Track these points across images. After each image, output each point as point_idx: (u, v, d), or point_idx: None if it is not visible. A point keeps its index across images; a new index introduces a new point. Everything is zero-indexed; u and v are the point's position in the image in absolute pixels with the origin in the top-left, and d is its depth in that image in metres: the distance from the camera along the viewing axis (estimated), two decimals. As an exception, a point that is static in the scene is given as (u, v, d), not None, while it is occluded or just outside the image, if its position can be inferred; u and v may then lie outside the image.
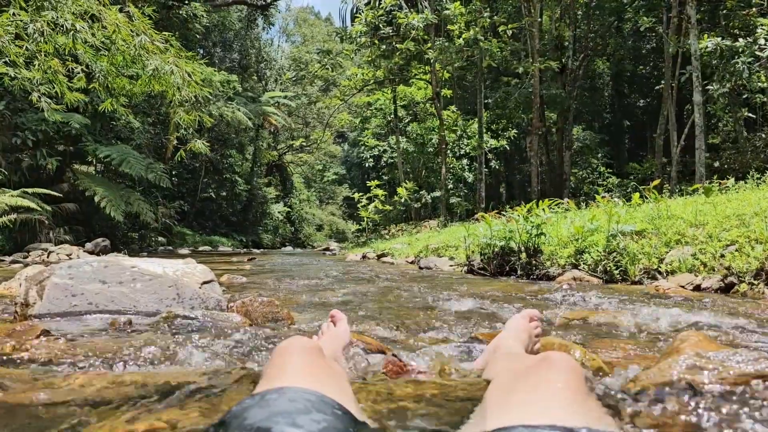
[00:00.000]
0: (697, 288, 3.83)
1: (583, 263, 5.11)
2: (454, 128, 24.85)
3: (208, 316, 2.41)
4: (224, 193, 31.34)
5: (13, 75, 7.65)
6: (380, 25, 20.83)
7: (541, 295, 3.77)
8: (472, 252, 6.75)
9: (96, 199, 14.93)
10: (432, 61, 19.88)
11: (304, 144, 41.71)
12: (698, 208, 5.29)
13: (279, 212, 38.72)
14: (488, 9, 20.32)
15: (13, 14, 7.25)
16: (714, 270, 3.93)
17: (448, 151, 22.73)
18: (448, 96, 24.32)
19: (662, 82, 17.65)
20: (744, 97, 14.71)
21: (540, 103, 19.80)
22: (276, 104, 36.18)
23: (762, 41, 11.23)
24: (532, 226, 5.89)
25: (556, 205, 7.72)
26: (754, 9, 14.24)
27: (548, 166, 24.89)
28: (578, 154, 25.10)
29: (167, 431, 0.99)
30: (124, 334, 2.09)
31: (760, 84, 12.67)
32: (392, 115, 26.31)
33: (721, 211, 4.94)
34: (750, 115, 15.96)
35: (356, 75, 24.88)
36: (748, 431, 0.95)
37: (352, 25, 24.84)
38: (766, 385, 1.08)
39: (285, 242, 38.11)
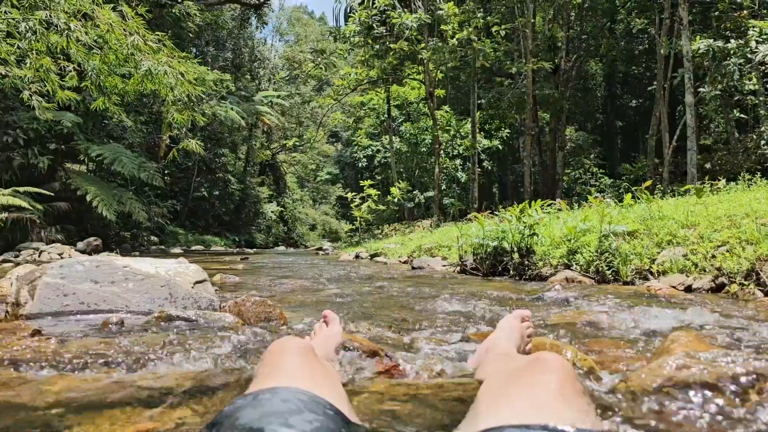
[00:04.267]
0: (689, 288, 3.85)
1: (576, 264, 5.13)
2: (448, 128, 24.89)
3: (201, 315, 2.41)
4: (217, 193, 31.25)
5: (4, 73, 7.60)
6: (374, 25, 20.83)
7: (533, 296, 3.78)
8: (465, 252, 6.76)
9: (88, 198, 14.84)
10: (425, 61, 19.90)
11: (298, 143, 41.62)
12: (690, 209, 5.32)
13: (272, 212, 38.64)
14: (482, 9, 20.37)
15: (5, 12, 7.21)
16: (705, 270, 3.96)
17: (441, 151, 22.76)
18: (442, 96, 24.35)
19: (654, 83, 17.74)
20: (735, 98, 14.81)
21: (533, 104, 19.85)
22: (269, 103, 36.11)
23: (753, 43, 11.31)
24: (525, 227, 5.91)
25: (548, 205, 7.74)
26: (745, 11, 14.35)
27: (541, 167, 24.97)
28: (571, 154, 25.19)
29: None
30: (115, 334, 2.08)
31: (751, 86, 12.76)
32: (385, 115, 26.32)
33: (713, 212, 4.98)
34: (742, 116, 16.07)
35: (350, 75, 24.88)
36: (739, 430, 0.96)
37: (345, 24, 24.83)
38: (757, 384, 1.09)
39: (278, 242, 38.02)
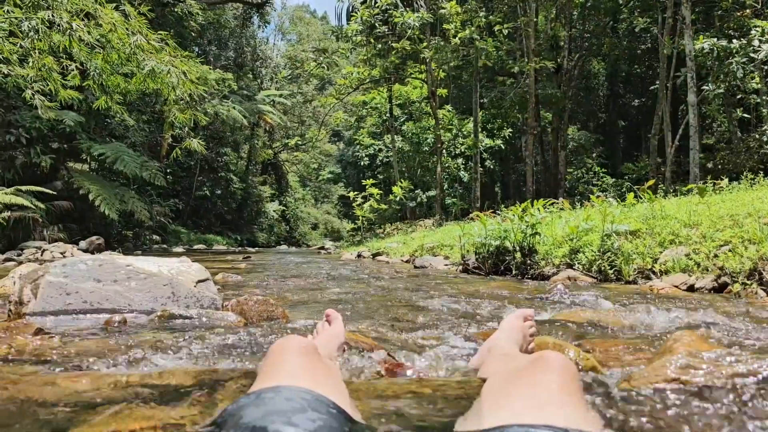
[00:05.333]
0: (691, 288, 3.85)
1: (578, 263, 5.12)
2: (450, 127, 24.88)
3: (204, 314, 2.41)
4: (219, 192, 31.27)
5: (6, 72, 7.60)
6: (376, 24, 20.83)
7: (535, 295, 3.78)
8: (467, 251, 6.76)
9: (90, 197, 14.86)
10: (428, 60, 19.90)
11: (300, 143, 41.62)
12: (692, 208, 5.32)
13: (274, 211, 38.69)
14: (484, 8, 20.35)
15: (7, 11, 7.22)
16: (707, 270, 3.95)
17: (444, 151, 22.75)
18: (444, 95, 24.33)
19: (657, 82, 17.69)
20: (738, 97, 14.77)
21: (535, 103, 19.82)
22: (271, 102, 36.14)
23: (756, 42, 11.29)
24: (527, 226, 5.91)
25: (550, 204, 7.74)
26: (748, 10, 14.31)
27: (543, 166, 24.95)
28: (573, 153, 25.16)
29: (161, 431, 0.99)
30: (118, 333, 2.09)
31: (754, 85, 12.73)
32: (388, 114, 26.32)
33: (715, 211, 4.97)
34: (745, 115, 16.02)
35: (352, 74, 24.87)
36: (741, 430, 0.96)
37: (347, 23, 24.81)
38: (759, 384, 1.09)
39: (280, 241, 38.07)
